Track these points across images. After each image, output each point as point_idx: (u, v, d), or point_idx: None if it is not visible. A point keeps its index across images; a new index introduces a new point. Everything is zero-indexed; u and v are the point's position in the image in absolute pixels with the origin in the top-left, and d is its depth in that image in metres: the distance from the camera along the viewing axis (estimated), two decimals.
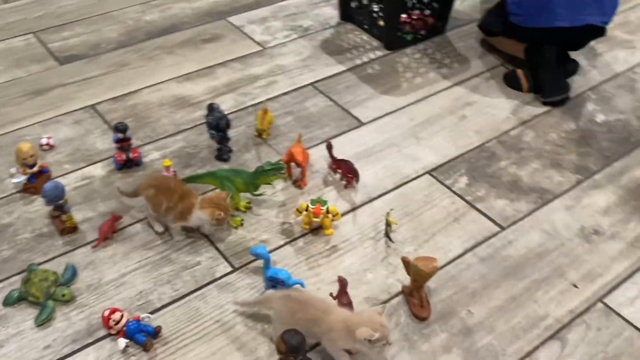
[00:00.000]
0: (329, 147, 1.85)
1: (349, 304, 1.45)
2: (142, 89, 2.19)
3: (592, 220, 1.76)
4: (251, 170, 1.71)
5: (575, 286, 1.58)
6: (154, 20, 2.55)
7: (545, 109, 2.16)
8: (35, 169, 1.75)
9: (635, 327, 1.49)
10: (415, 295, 1.51)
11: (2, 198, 1.77)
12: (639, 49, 2.49)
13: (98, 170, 1.86)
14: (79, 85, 2.19)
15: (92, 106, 2.10)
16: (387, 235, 1.68)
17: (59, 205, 1.65)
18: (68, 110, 2.08)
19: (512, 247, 1.68)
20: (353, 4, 2.48)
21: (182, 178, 1.76)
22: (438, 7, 2.42)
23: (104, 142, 1.95)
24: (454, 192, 1.83)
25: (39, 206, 1.73)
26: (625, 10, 2.72)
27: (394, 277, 1.58)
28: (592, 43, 2.41)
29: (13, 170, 1.76)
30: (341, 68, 2.32)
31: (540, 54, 2.17)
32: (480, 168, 1.92)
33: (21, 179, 1.74)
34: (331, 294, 1.49)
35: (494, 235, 1.71)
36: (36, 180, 1.76)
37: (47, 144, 1.91)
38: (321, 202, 1.66)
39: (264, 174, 1.66)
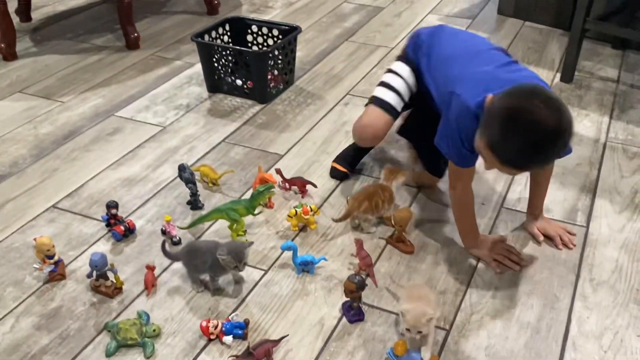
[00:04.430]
0: (279, 171, 2.36)
1: (368, 256, 1.96)
2: (87, 181, 2.45)
3: None
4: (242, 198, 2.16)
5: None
6: (51, 131, 2.79)
7: None
8: (56, 257, 1.96)
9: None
10: (400, 239, 2.09)
11: (37, 290, 1.94)
12: None
13: (102, 247, 2.11)
14: (26, 195, 2.37)
15: (54, 206, 2.31)
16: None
17: (102, 274, 1.90)
18: (34, 215, 2.26)
19: None
20: (217, 78, 3.02)
21: (189, 224, 2.12)
22: (286, 66, 3.07)
23: (89, 227, 2.20)
24: None
25: (73, 286, 1.95)
26: None
27: (375, 236, 2.14)
28: None
29: (36, 265, 1.95)
30: (237, 124, 2.83)
31: None
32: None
33: (49, 268, 1.94)
34: (352, 254, 2.00)
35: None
36: (57, 269, 1.97)
37: None
38: (304, 204, 2.16)
39: (260, 195, 2.11)
